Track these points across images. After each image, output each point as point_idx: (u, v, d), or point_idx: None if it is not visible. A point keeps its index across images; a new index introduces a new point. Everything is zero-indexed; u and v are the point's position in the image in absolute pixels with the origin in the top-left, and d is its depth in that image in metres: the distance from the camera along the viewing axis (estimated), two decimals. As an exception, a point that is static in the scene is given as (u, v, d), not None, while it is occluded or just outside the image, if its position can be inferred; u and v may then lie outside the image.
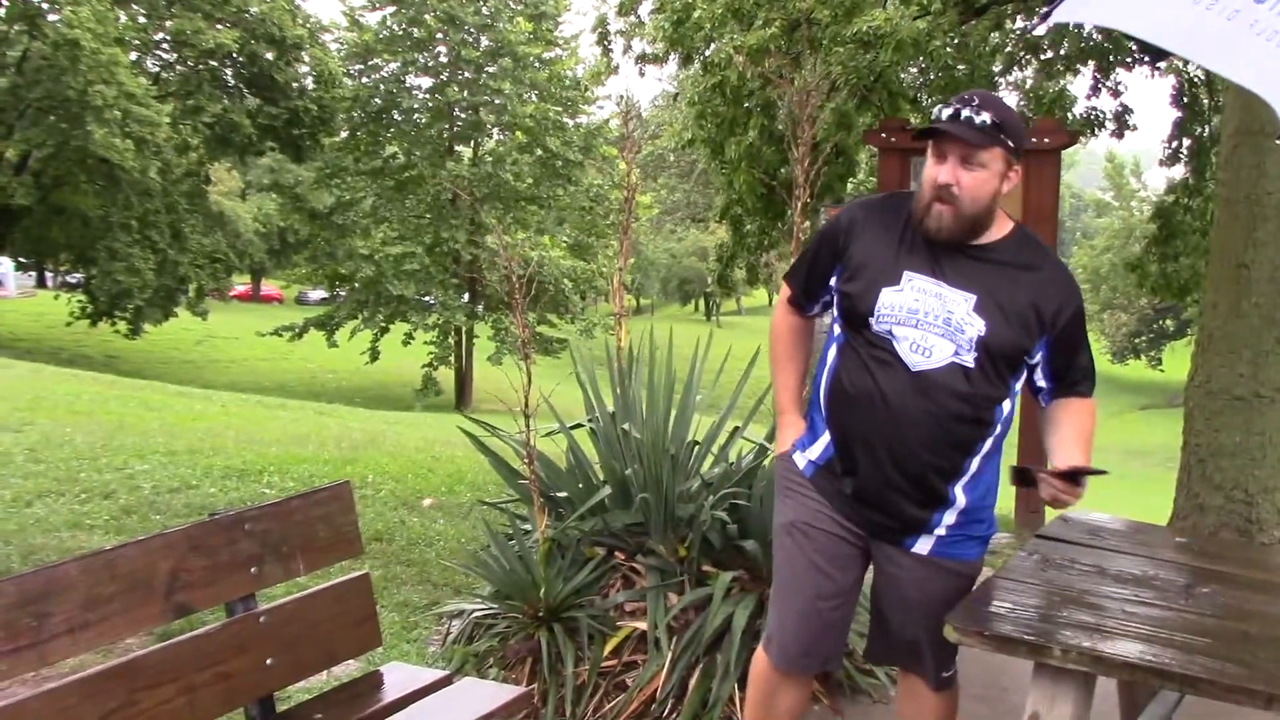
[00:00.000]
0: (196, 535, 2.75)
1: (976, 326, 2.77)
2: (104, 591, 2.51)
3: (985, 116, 2.72)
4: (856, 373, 2.90)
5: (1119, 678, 2.70)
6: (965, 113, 2.73)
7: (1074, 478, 2.69)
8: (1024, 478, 2.74)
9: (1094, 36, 8.68)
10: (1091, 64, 9.16)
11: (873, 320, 2.86)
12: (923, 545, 2.94)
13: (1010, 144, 2.76)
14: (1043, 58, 9.25)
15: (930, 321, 2.80)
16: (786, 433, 3.13)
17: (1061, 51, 8.87)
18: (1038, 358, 2.86)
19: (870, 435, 2.88)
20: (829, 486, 3.00)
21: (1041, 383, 2.91)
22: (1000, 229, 2.87)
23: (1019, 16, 8.80)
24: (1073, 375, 2.89)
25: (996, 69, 9.09)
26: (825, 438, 2.99)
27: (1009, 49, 9.26)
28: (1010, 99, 10.66)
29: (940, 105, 2.84)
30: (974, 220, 2.79)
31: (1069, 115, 8.24)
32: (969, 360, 2.79)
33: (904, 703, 3.17)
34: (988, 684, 4.42)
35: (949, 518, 2.91)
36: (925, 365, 2.80)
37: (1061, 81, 9.11)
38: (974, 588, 2.96)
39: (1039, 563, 3.00)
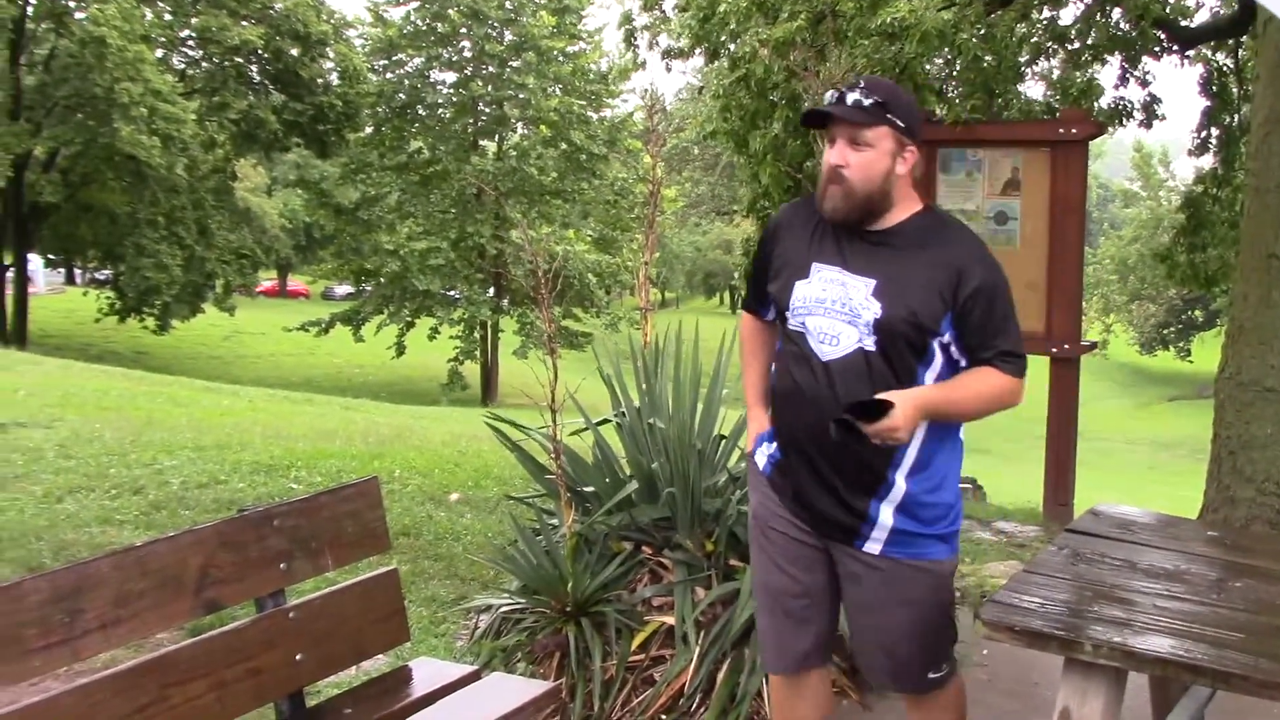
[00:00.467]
0: (226, 531, 2.77)
1: (873, 310, 2.77)
2: (135, 587, 2.53)
3: (868, 98, 2.76)
4: (782, 370, 2.97)
5: (1151, 673, 2.68)
6: (851, 96, 2.77)
7: (870, 414, 2.64)
8: (841, 427, 2.67)
9: (1122, 26, 8.62)
10: (1119, 54, 9.09)
11: (789, 315, 2.90)
12: (873, 544, 2.88)
13: (899, 123, 2.77)
14: (1070, 48, 9.18)
15: (836, 310, 2.82)
16: (751, 427, 3.17)
17: (1089, 41, 8.80)
18: (947, 336, 2.80)
19: (796, 430, 2.92)
20: (783, 485, 3.00)
21: (961, 361, 2.85)
22: (905, 211, 2.85)
23: (1045, 6, 8.74)
24: (985, 354, 2.80)
25: (1023, 59, 9.01)
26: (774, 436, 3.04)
27: (1035, 39, 9.19)
28: (1037, 90, 10.59)
29: (830, 90, 2.91)
30: (866, 200, 2.79)
31: (1096, 105, 8.16)
32: (870, 345, 2.79)
33: (910, 710, 3.17)
34: (1018, 679, 4.40)
35: (889, 510, 2.85)
36: (833, 354, 2.82)
37: (1089, 71, 9.03)
38: (941, 585, 2.93)
39: (1069, 557, 2.98)
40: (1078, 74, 8.68)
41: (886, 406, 2.63)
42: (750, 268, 3.19)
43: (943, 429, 2.87)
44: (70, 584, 2.42)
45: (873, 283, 2.79)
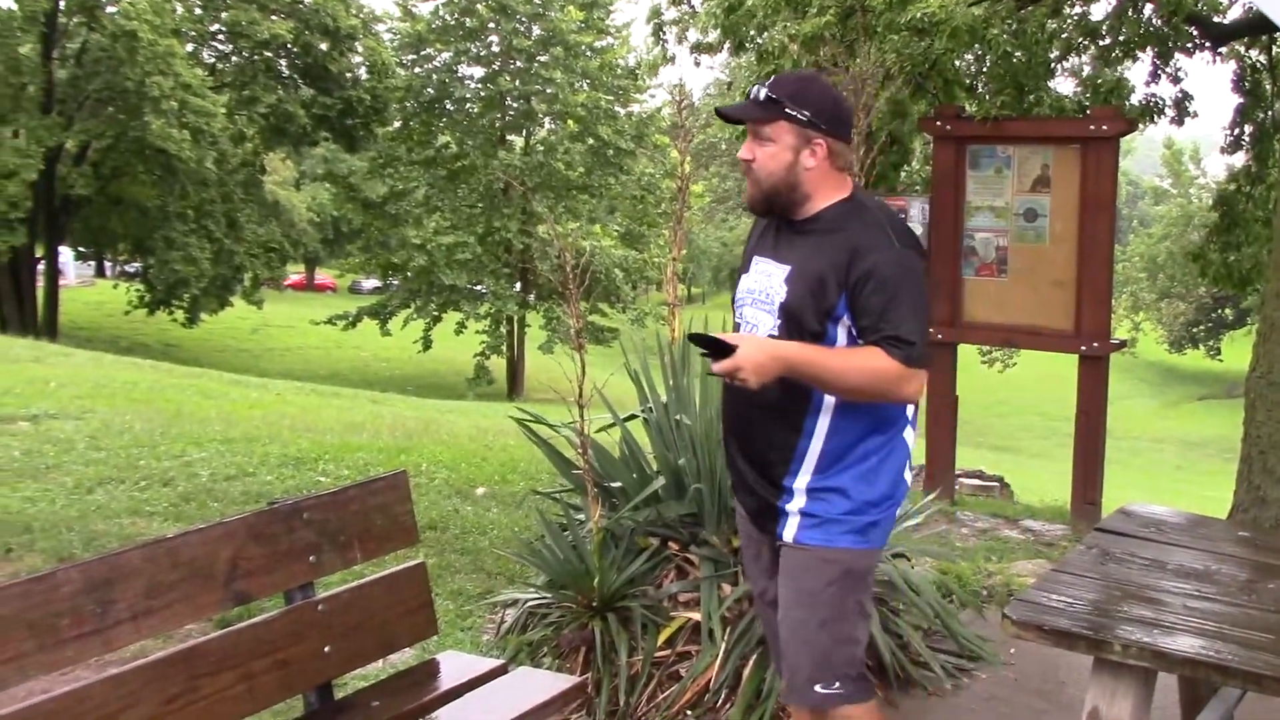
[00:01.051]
0: (256, 524, 2.78)
1: (780, 296, 2.83)
2: (166, 579, 2.56)
3: (763, 91, 2.82)
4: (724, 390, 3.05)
5: (1180, 674, 2.67)
6: (753, 92, 2.85)
7: (720, 353, 2.67)
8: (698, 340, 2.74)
9: (1154, 22, 8.56)
10: (1151, 50, 9.03)
11: (734, 308, 3.02)
12: (789, 530, 2.89)
13: (799, 116, 2.79)
14: (1101, 44, 9.12)
15: (761, 299, 2.89)
16: None
17: (1120, 37, 8.74)
18: (846, 318, 2.77)
19: (725, 421, 3.03)
20: (733, 480, 3.11)
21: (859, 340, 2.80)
22: (825, 200, 2.86)
23: (1077, 2, 8.70)
24: (872, 336, 2.72)
25: (1054, 55, 8.96)
26: None
27: (1066, 35, 9.14)
28: (1066, 86, 10.52)
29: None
30: (773, 193, 2.85)
31: (1127, 102, 8.11)
32: (775, 329, 2.83)
33: None
34: (1045, 678, 4.39)
35: (799, 493, 2.86)
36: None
37: (1120, 68, 8.98)
38: (846, 582, 2.83)
39: (1098, 556, 2.97)
40: (1109, 70, 8.64)
41: (729, 348, 2.66)
42: None
43: (860, 423, 2.83)
44: (103, 574, 2.45)
45: (787, 269, 2.85)
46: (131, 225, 33.45)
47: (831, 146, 2.82)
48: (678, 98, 6.30)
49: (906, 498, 3.04)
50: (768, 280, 2.88)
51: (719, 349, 2.66)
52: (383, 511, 3.10)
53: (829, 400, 2.80)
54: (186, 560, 2.61)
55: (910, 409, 2.92)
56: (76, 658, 2.42)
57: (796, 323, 2.79)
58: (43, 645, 2.32)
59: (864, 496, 2.84)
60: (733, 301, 3.06)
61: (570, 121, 34.12)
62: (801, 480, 2.85)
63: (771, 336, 2.81)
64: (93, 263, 54.42)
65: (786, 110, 2.78)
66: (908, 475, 2.97)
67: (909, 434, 2.95)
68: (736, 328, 2.97)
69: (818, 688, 2.85)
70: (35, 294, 31.43)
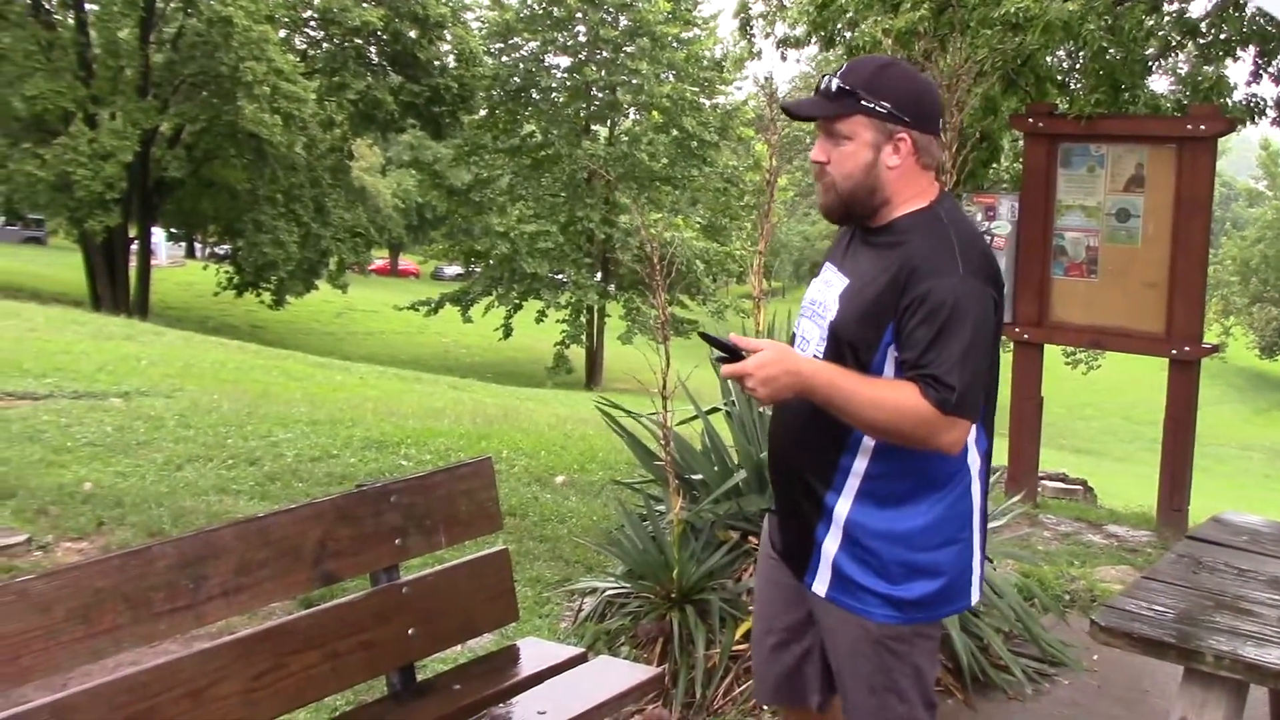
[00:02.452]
0: (344, 505, 2.82)
1: (832, 311, 2.50)
2: (256, 557, 2.60)
3: (834, 82, 2.46)
4: None
5: (1273, 687, 2.62)
6: (823, 83, 2.49)
7: (731, 354, 2.38)
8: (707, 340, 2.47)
9: (1257, 20, 8.36)
10: (1253, 48, 8.82)
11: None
12: (820, 583, 2.54)
13: (878, 109, 2.43)
14: (1200, 42, 8.93)
15: (818, 312, 2.57)
16: None
17: (1221, 35, 8.55)
18: (893, 349, 2.41)
19: (771, 443, 2.71)
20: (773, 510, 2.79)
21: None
22: (905, 207, 2.49)
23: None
24: (910, 372, 2.35)
25: (1150, 52, 8.80)
26: None
27: (1164, 32, 8.96)
28: (1162, 84, 10.32)
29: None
30: (850, 197, 2.49)
31: (1227, 102, 7.93)
32: (820, 349, 2.50)
33: None
34: (1128, 686, 4.32)
35: (833, 539, 2.50)
36: None
37: (1219, 66, 8.79)
38: (888, 665, 2.49)
39: (1189, 565, 2.92)
40: (1208, 68, 8.46)
41: (743, 353, 2.36)
42: None
43: (909, 455, 2.43)
44: (196, 551, 2.50)
45: (845, 283, 2.51)
46: (222, 208, 34.08)
47: (917, 141, 2.46)
48: (765, 91, 6.25)
49: (991, 498, 2.77)
50: (826, 291, 2.56)
51: (732, 352, 2.38)
52: (468, 497, 3.13)
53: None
54: (277, 539, 2.65)
55: (976, 462, 2.53)
56: (169, 631, 2.47)
57: (841, 345, 2.46)
58: (138, 618, 2.38)
59: (905, 554, 2.46)
60: None
61: (655, 113, 34.15)
62: (840, 509, 2.49)
63: (815, 356, 2.49)
64: (183, 244, 55.53)
65: (863, 102, 2.42)
66: (975, 538, 2.56)
67: (975, 490, 2.54)
68: (792, 339, 2.66)
69: None
70: (128, 274, 32.11)
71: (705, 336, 2.48)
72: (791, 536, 2.63)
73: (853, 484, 2.48)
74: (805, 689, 2.76)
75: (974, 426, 2.44)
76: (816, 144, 2.53)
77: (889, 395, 2.33)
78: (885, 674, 2.51)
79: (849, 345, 2.43)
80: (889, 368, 2.41)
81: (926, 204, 2.50)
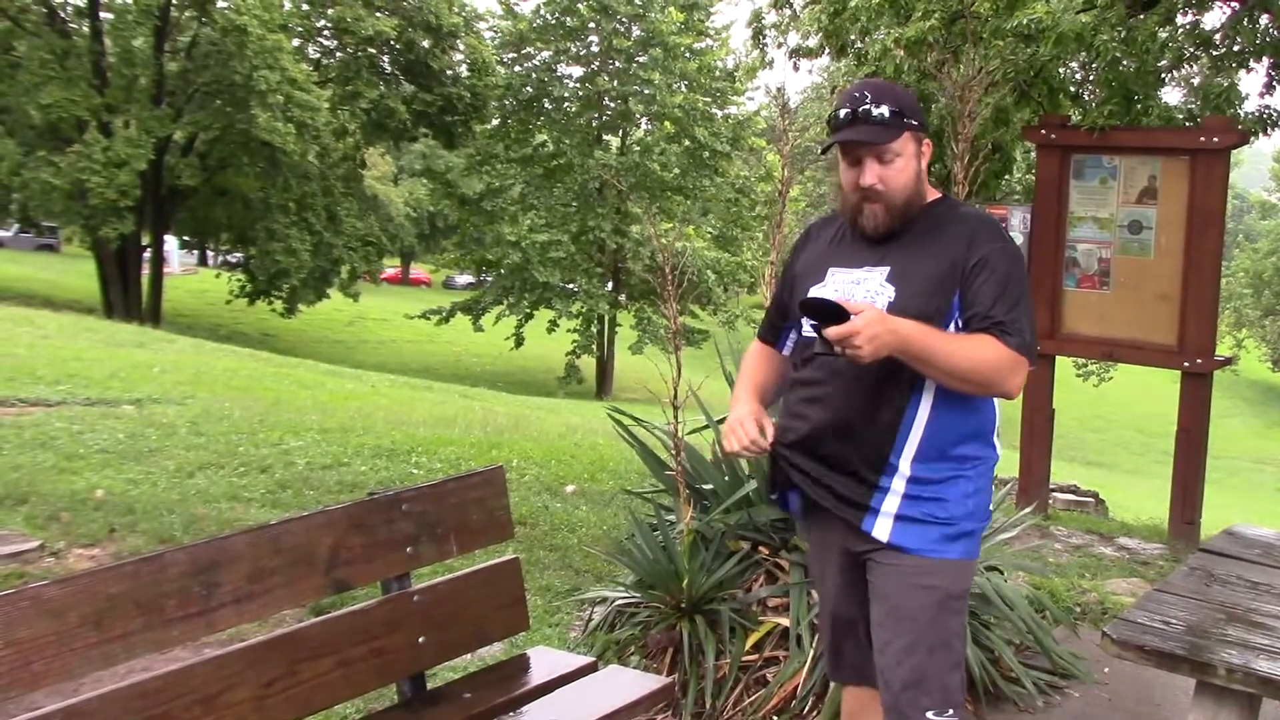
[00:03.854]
0: (356, 513, 2.83)
1: (887, 294, 2.70)
2: (269, 564, 2.61)
3: (883, 108, 2.70)
4: (794, 381, 2.89)
5: (1285, 701, 2.60)
6: (862, 109, 2.71)
7: (830, 318, 2.50)
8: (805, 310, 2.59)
9: (1270, 32, 8.34)
10: (1266, 60, 8.80)
11: (804, 323, 2.81)
12: (881, 526, 2.73)
13: (914, 123, 2.74)
14: (1213, 53, 8.91)
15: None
16: (735, 406, 2.99)
17: (1234, 47, 8.53)
18: (957, 312, 2.69)
19: (804, 435, 2.82)
20: (802, 496, 2.91)
21: None
22: (923, 201, 2.82)
23: (1190, 10, 8.50)
24: (983, 323, 2.63)
25: (1163, 64, 8.78)
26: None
27: (1177, 44, 8.95)
28: (1175, 96, 10.29)
29: (836, 107, 2.80)
30: (906, 207, 2.76)
31: (1240, 114, 7.91)
32: None
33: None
34: (1139, 699, 4.30)
35: (898, 483, 2.72)
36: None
37: (1233, 78, 8.76)
38: (950, 603, 2.69)
39: (1203, 577, 2.91)
40: (1221, 80, 8.43)
41: (847, 315, 2.50)
42: (774, 296, 3.11)
43: (958, 423, 2.73)
44: (209, 557, 2.51)
45: (886, 269, 2.74)
46: (235, 216, 34.17)
47: (930, 149, 2.82)
48: (777, 102, 6.25)
49: (1000, 510, 2.94)
50: (859, 289, 2.74)
51: (834, 315, 2.50)
52: (479, 505, 3.14)
53: (929, 384, 2.69)
54: (289, 547, 2.66)
55: (997, 422, 2.83)
56: (181, 638, 2.48)
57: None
58: (150, 624, 2.38)
59: (955, 489, 2.74)
60: (784, 317, 2.98)
61: (667, 123, 34.18)
62: (906, 454, 2.71)
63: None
64: (196, 252, 55.68)
65: (905, 119, 2.73)
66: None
67: (997, 447, 2.85)
68: (810, 340, 2.76)
69: (930, 714, 2.70)
70: (141, 281, 32.19)
71: (807, 302, 2.58)
72: (848, 490, 2.77)
73: (913, 442, 2.71)
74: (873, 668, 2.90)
75: None
76: (865, 171, 2.73)
77: (972, 346, 2.61)
78: (947, 622, 2.71)
79: (919, 317, 2.61)
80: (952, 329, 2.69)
81: (939, 195, 2.85)
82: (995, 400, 2.81)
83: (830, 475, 2.80)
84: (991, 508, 2.86)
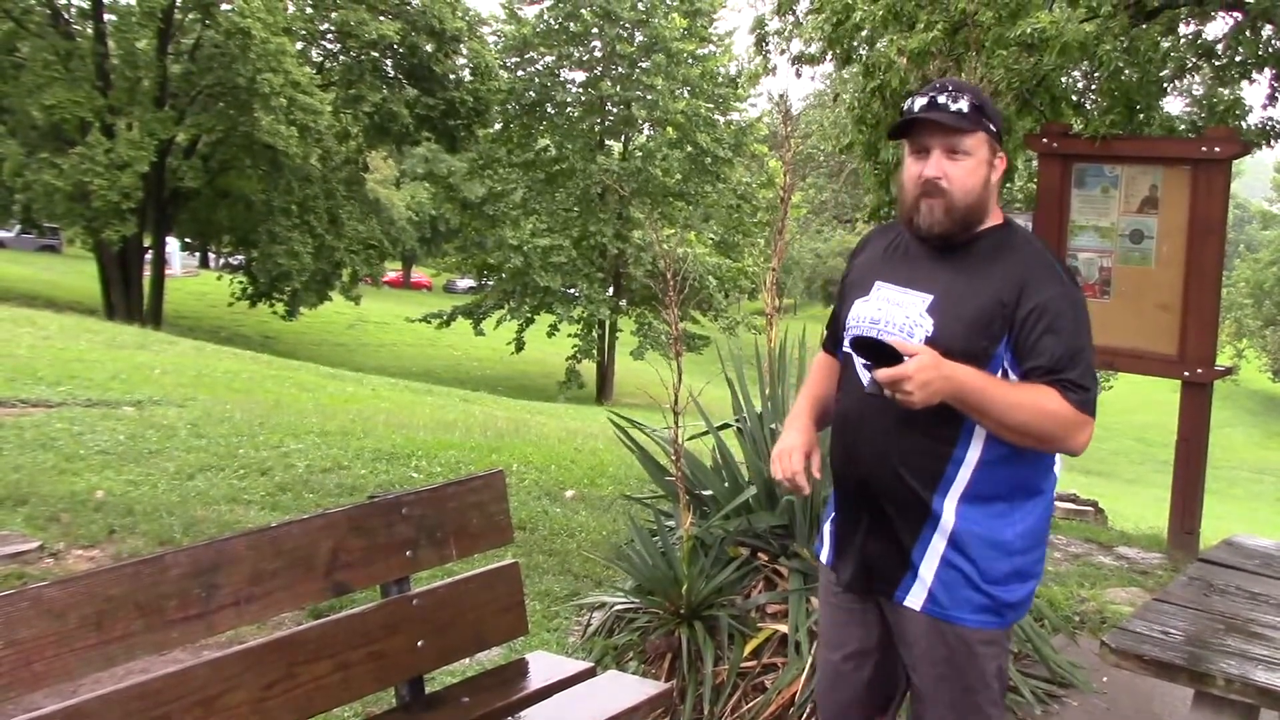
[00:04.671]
0: (356, 516, 2.83)
1: (925, 328, 2.53)
2: (269, 567, 2.61)
3: (963, 102, 2.54)
4: (836, 403, 2.77)
5: (1283, 711, 2.61)
6: (942, 99, 2.54)
7: (886, 360, 2.38)
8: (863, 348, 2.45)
9: (1273, 43, 8.35)
10: (1269, 71, 8.81)
11: (844, 336, 2.69)
12: (915, 597, 2.59)
13: (993, 128, 2.58)
14: (1216, 64, 8.92)
15: (889, 331, 2.56)
16: (789, 426, 2.87)
17: (1237, 58, 8.53)
18: (1006, 361, 2.51)
19: (840, 464, 2.72)
20: (834, 532, 2.82)
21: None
22: (988, 223, 2.62)
23: (1193, 20, 8.51)
24: (1047, 379, 2.46)
25: (1165, 74, 8.79)
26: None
27: (1179, 54, 8.96)
28: (1175, 105, 10.30)
29: (913, 97, 2.62)
30: (966, 213, 2.56)
31: (1242, 125, 7.92)
32: None
33: None
34: (1138, 708, 4.30)
35: (937, 548, 2.55)
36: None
37: (1235, 89, 8.77)
38: (969, 668, 2.57)
39: (1201, 588, 2.91)
40: (1224, 90, 8.44)
41: (900, 356, 2.37)
42: (835, 305, 2.93)
43: (1013, 461, 2.54)
44: (209, 559, 2.51)
45: (929, 298, 2.56)
46: (237, 218, 34.20)
47: (1004, 164, 2.64)
48: (779, 108, 6.26)
49: None
50: (899, 311, 2.58)
51: (887, 356, 2.38)
52: (479, 509, 3.14)
53: (980, 432, 2.53)
54: (289, 549, 2.66)
55: (1058, 472, 2.68)
56: (181, 639, 2.48)
57: (952, 358, 2.46)
58: (150, 625, 2.39)
59: (1002, 556, 2.55)
60: (842, 328, 2.76)
61: (669, 128, 34.22)
62: (946, 514, 2.54)
63: None
64: (198, 254, 55.71)
65: (985, 120, 2.57)
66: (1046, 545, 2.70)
67: (1048, 486, 2.67)
68: (848, 357, 2.67)
69: None
70: (142, 283, 32.21)
71: (861, 340, 2.46)
72: (879, 554, 2.64)
73: (952, 491, 2.53)
74: (871, 709, 2.85)
75: None
76: (931, 160, 2.56)
77: (1034, 398, 2.44)
78: (980, 677, 2.59)
79: (961, 357, 2.46)
80: (999, 376, 2.51)
81: (1001, 222, 2.64)
82: (1053, 456, 2.64)
83: (860, 529, 2.69)
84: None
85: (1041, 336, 2.45)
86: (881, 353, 2.39)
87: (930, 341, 2.49)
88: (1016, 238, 2.61)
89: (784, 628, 4.08)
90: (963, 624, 2.55)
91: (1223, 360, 8.35)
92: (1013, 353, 2.49)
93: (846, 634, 2.81)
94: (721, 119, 35.31)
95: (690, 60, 34.39)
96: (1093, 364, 2.49)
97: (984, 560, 2.54)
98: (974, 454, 2.53)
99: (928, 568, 2.57)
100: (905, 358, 2.36)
